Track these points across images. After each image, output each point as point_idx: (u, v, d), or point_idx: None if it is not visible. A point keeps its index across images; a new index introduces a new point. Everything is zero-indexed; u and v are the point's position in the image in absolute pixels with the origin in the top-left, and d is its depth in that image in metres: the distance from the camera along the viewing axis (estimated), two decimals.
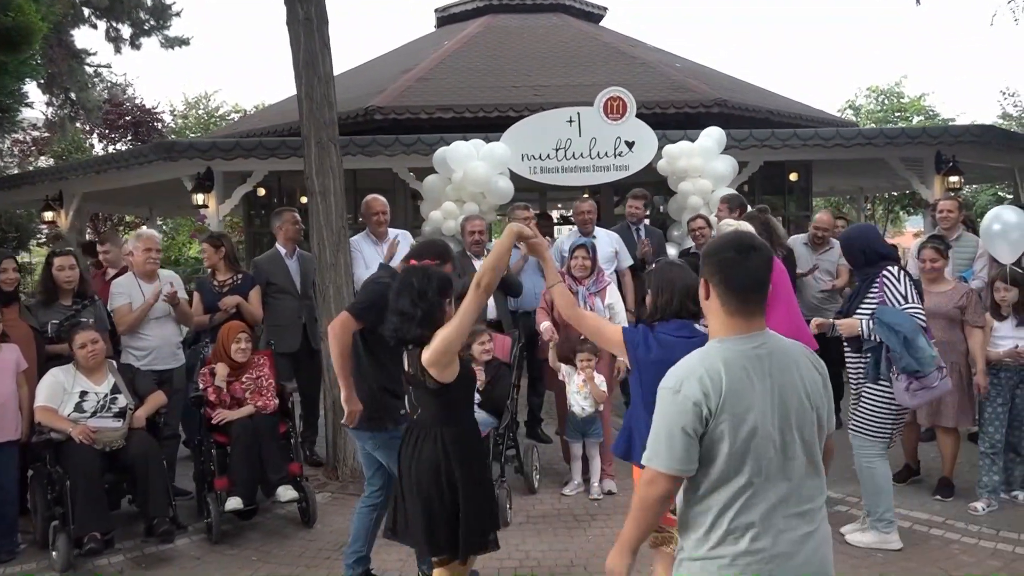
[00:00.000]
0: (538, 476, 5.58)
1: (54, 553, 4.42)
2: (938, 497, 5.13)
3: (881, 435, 4.38)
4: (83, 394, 4.74)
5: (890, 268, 4.34)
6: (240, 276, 5.97)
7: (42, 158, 21.49)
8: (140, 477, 4.58)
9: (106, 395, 4.79)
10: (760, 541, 2.00)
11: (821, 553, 2.08)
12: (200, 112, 25.72)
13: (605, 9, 16.68)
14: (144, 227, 5.68)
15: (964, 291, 5.11)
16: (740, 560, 2.00)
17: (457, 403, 3.26)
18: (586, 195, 8.88)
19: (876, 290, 4.31)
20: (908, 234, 28.28)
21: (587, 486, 5.39)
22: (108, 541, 4.42)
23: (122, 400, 4.82)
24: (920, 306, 4.26)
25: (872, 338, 4.26)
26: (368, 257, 6.00)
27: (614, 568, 2.14)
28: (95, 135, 22.64)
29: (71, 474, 4.41)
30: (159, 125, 22.78)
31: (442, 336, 3.08)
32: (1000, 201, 20.44)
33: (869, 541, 4.41)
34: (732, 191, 7.64)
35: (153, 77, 50.96)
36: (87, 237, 13.82)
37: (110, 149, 22.30)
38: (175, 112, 25.80)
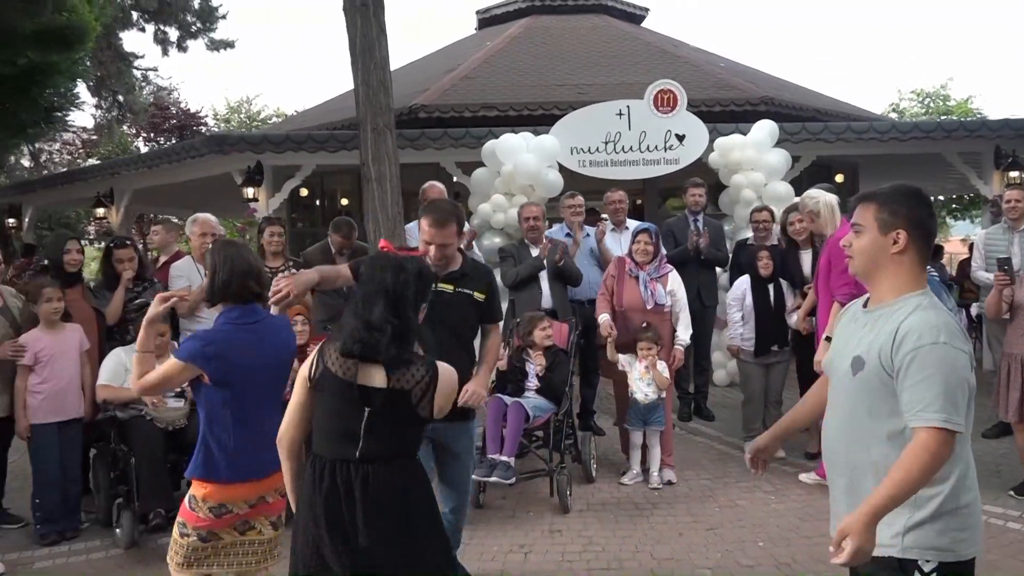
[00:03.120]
0: (595, 465, 5.49)
1: (118, 530, 4.44)
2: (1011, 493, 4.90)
3: None
4: None
5: None
6: (292, 263, 5.99)
7: (90, 160, 21.93)
8: None
9: None
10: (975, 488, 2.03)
11: None
12: (242, 116, 26.10)
13: (647, 10, 16.63)
14: (200, 212, 5.68)
15: None
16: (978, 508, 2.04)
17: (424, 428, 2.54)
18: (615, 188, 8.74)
19: None
20: (954, 240, 27.68)
21: (646, 476, 5.30)
22: (171, 518, 4.40)
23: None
24: (934, 270, 4.80)
25: None
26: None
27: (862, 545, 1.83)
28: (140, 138, 23.11)
29: (136, 452, 4.43)
30: (203, 128, 23.13)
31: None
32: None
33: None
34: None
35: (196, 80, 51.90)
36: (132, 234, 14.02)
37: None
38: (218, 116, 26.22)
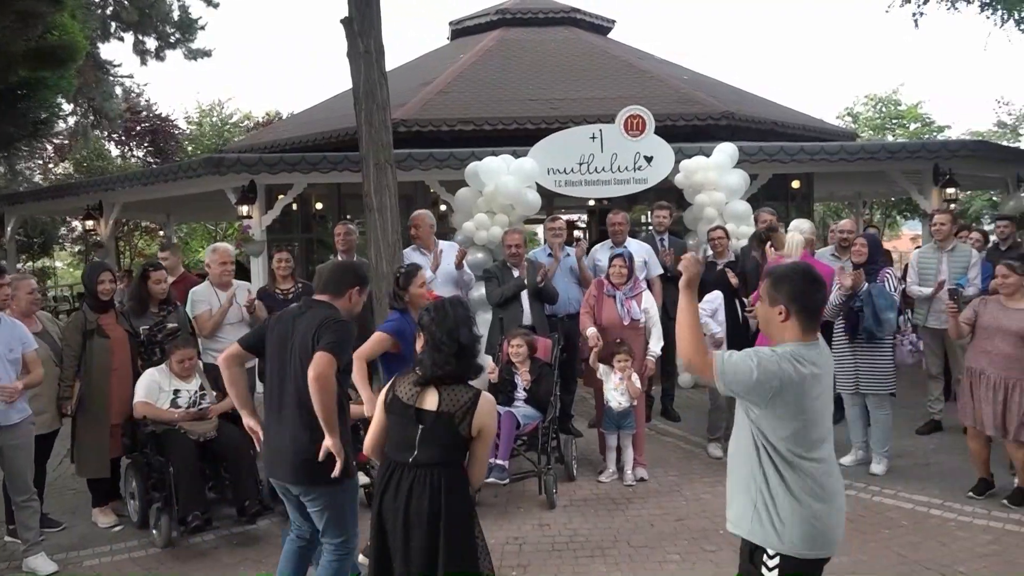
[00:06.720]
0: (576, 465, 6.15)
1: (155, 531, 4.99)
2: (1005, 502, 5.23)
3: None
4: (176, 392, 5.32)
5: (889, 269, 6.15)
6: (301, 285, 6.52)
7: (62, 164, 22.02)
8: (231, 463, 5.17)
9: (195, 392, 5.37)
10: None
11: None
12: (214, 120, 26.28)
13: (613, 22, 17.26)
14: (219, 242, 6.22)
15: None
16: None
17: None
18: (600, 207, 9.40)
19: (879, 280, 5.89)
20: (904, 237, 28.98)
21: (621, 474, 5.97)
22: (207, 519, 4.99)
23: (209, 397, 5.40)
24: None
25: (860, 299, 5.72)
26: None
27: None
28: (111, 141, 23.21)
29: (173, 462, 4.97)
30: (175, 132, 23.30)
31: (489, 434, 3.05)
32: (994, 206, 21.10)
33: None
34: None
35: (165, 84, 51.86)
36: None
37: (127, 155, 22.83)
38: (189, 120, 26.36)
